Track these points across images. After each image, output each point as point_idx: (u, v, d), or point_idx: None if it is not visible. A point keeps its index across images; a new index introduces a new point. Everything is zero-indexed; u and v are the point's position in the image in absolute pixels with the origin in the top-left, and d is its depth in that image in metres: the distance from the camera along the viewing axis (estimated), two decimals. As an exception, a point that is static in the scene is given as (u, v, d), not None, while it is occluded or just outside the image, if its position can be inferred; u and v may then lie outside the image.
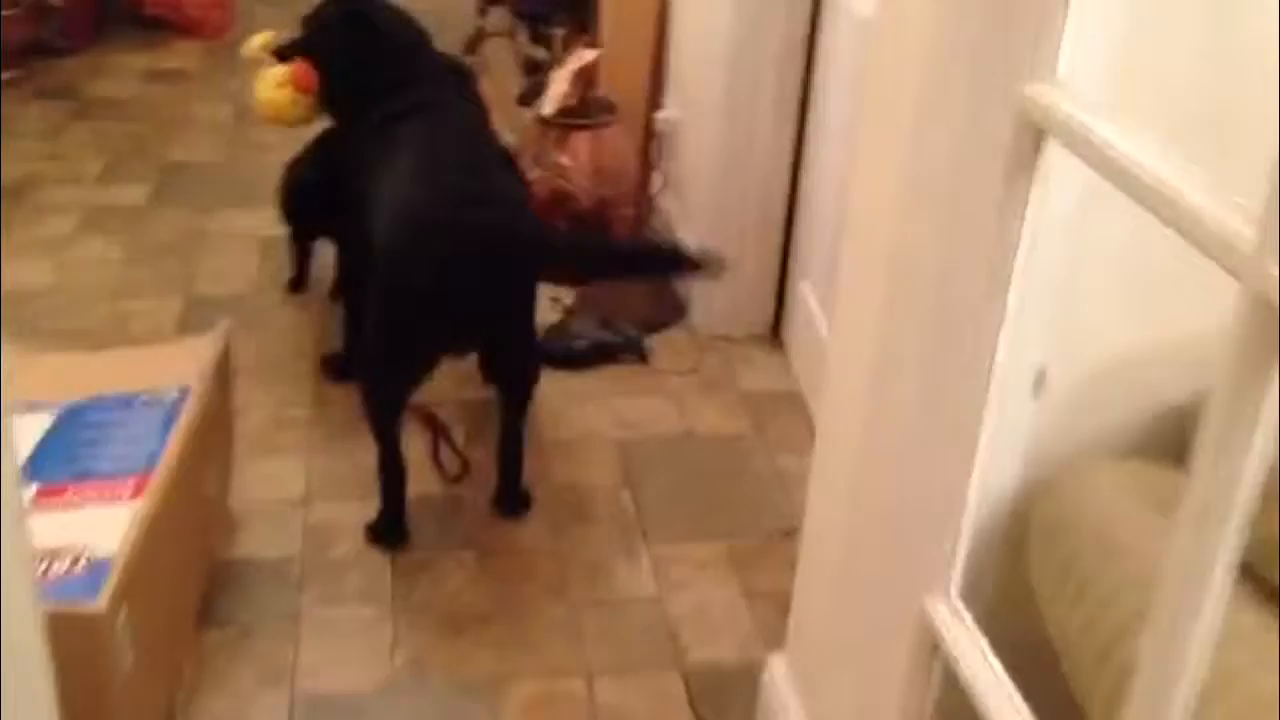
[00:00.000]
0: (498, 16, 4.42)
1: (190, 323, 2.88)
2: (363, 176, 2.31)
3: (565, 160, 3.09)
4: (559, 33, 4.10)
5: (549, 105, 3.12)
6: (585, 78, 3.16)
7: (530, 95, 3.39)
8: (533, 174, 3.13)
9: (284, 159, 2.91)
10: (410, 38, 2.56)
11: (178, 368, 2.06)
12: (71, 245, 3.24)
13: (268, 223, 3.08)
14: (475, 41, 4.44)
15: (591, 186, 3.10)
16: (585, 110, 3.17)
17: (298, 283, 3.00)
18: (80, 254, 3.20)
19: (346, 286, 2.71)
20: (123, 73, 4.40)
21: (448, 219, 2.08)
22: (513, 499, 2.34)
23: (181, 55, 4.60)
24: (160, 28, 4.74)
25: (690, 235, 3.06)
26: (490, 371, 2.33)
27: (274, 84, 2.56)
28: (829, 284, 2.46)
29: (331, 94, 2.54)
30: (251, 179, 3.52)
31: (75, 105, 4.11)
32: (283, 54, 2.58)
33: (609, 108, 3.22)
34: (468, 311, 2.10)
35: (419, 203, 2.14)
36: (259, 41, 2.64)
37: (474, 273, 2.04)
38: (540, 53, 4.32)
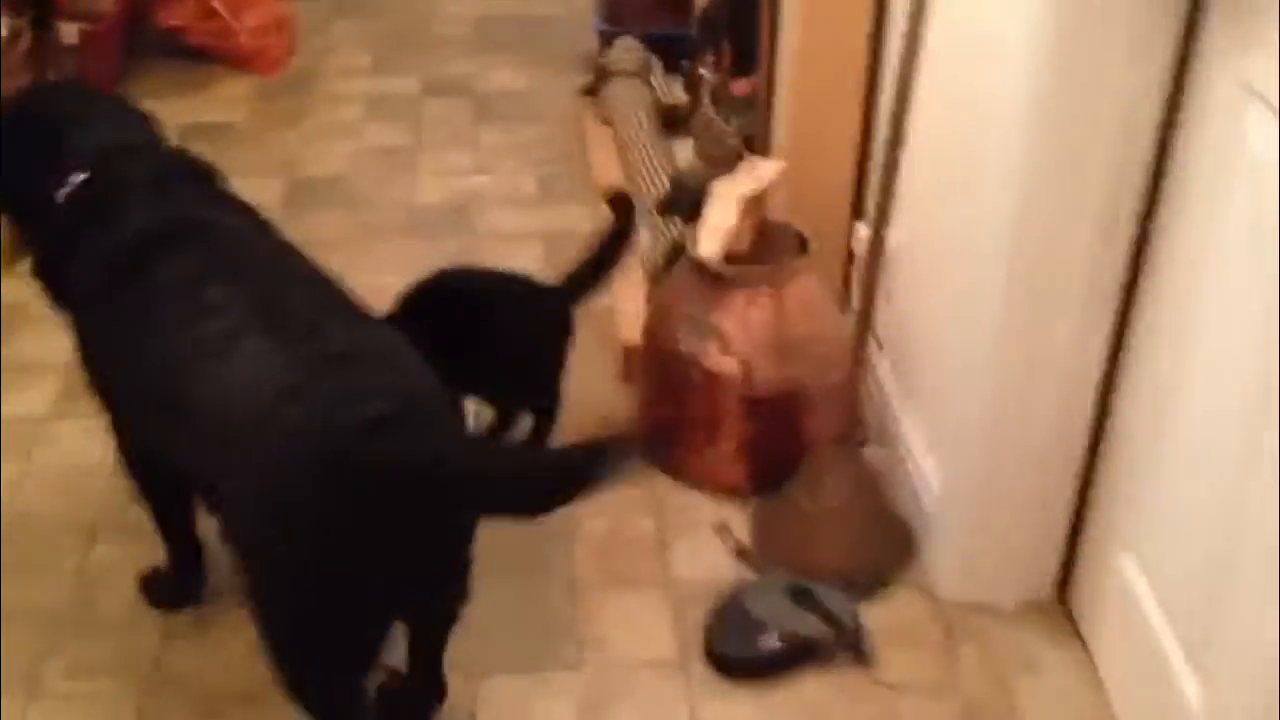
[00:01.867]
0: (624, 50, 3.38)
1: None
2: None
3: (729, 328, 2.07)
4: (707, 75, 3.06)
5: (708, 244, 2.08)
6: (762, 204, 2.12)
7: (678, 203, 2.36)
8: (681, 344, 2.12)
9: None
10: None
11: None
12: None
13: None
14: (597, 84, 3.42)
15: (773, 367, 2.08)
16: (761, 250, 2.15)
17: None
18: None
19: None
20: (152, 129, 3.47)
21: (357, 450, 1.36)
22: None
23: (227, 100, 3.65)
24: (204, 60, 3.82)
25: (920, 439, 2.03)
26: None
27: None
28: (1163, 559, 1.57)
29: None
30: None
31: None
32: None
33: (796, 243, 2.18)
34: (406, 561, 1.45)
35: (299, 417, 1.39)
36: None
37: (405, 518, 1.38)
38: (682, 97, 3.29)
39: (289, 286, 1.56)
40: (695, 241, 2.13)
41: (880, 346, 2.24)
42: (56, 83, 1.77)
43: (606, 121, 3.31)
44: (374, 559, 1.39)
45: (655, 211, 2.39)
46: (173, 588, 1.94)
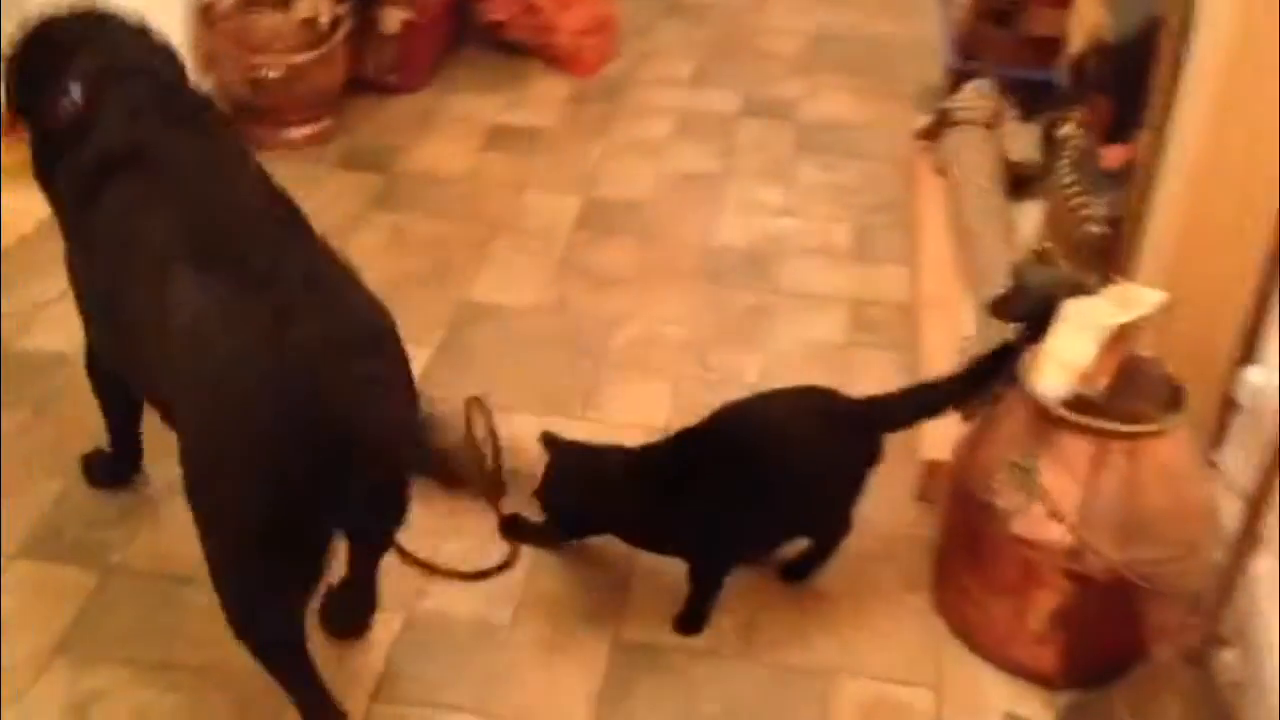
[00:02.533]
0: (975, 95, 2.95)
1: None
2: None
3: (1063, 487, 1.65)
4: (1071, 134, 2.60)
5: (1053, 379, 1.66)
6: (1130, 340, 1.68)
7: (1016, 307, 1.94)
8: (997, 495, 1.71)
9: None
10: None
11: None
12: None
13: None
14: (936, 128, 3.00)
15: (1114, 545, 1.64)
16: (1119, 394, 1.71)
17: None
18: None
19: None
20: (456, 129, 3.30)
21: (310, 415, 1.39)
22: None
23: (538, 101, 3.46)
24: (522, 55, 3.65)
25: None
26: None
27: None
28: None
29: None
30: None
31: (381, 181, 3.08)
32: None
33: (1167, 391, 1.73)
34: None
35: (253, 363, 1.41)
36: None
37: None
38: (1034, 156, 2.83)
39: (235, 218, 1.57)
40: (1034, 369, 1.72)
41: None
42: (87, 6, 1.85)
43: (942, 172, 2.90)
44: (307, 486, 1.40)
45: (988, 312, 1.99)
46: (109, 469, 2.07)
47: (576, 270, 2.75)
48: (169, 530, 1.98)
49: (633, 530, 1.85)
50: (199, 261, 1.47)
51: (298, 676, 1.60)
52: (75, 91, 1.72)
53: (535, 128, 3.33)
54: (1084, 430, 1.65)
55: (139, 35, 1.85)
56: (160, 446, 1.87)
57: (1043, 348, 1.72)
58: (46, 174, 1.80)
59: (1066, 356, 1.65)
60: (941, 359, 2.29)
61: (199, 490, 1.47)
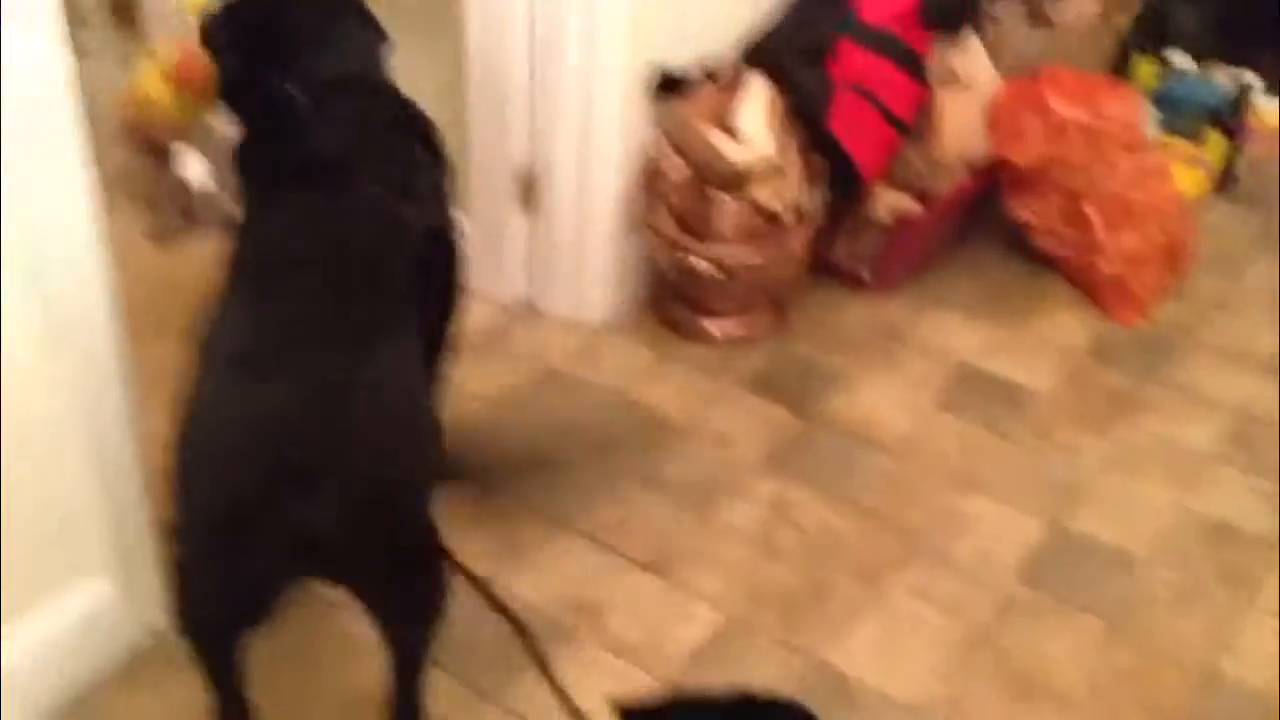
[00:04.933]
0: None
1: None
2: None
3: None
4: None
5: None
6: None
7: None
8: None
9: None
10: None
11: None
12: None
13: None
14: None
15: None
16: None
17: None
18: None
19: None
20: (914, 365, 2.49)
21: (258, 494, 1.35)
22: None
23: (1042, 346, 2.55)
24: (1045, 271, 2.76)
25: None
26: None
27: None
28: None
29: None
30: None
31: (788, 423, 2.33)
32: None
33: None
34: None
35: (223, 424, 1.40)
36: None
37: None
38: None
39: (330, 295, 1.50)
40: None
41: None
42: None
43: None
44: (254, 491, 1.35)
45: None
46: None
47: (996, 655, 1.89)
48: None
49: None
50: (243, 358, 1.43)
51: (215, 682, 1.55)
52: (282, 89, 1.69)
53: (1021, 387, 2.45)
54: None
55: (365, 27, 1.82)
56: None
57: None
58: (241, 165, 1.75)
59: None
60: None
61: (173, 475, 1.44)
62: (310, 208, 1.62)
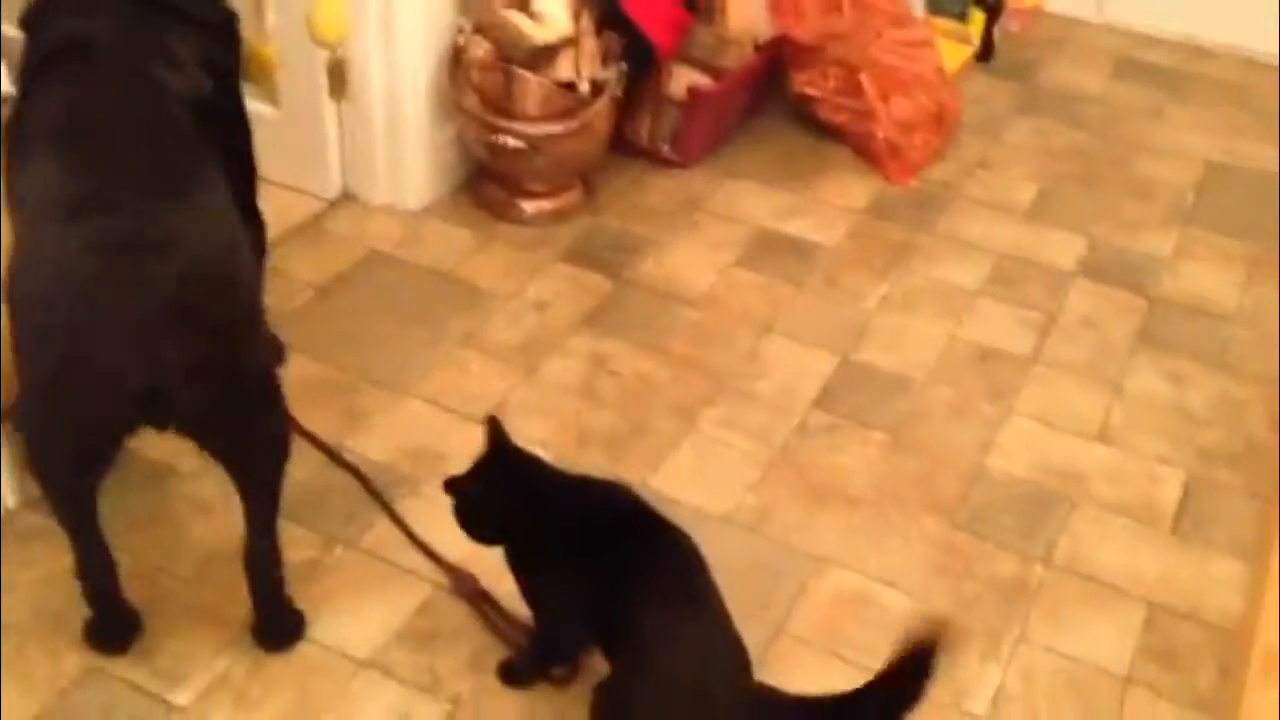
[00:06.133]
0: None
1: None
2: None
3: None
4: None
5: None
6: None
7: None
8: None
9: None
10: None
11: None
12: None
13: None
14: None
15: None
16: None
17: None
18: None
19: None
20: (716, 229, 2.72)
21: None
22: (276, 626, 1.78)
23: (829, 207, 2.81)
24: (829, 140, 3.02)
25: None
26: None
27: None
28: None
29: None
30: None
31: (603, 287, 2.53)
32: None
33: None
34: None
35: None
36: None
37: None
38: None
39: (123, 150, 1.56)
40: None
41: None
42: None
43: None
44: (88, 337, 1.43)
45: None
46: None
47: (796, 470, 2.15)
48: None
49: None
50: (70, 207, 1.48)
51: (73, 528, 1.64)
52: None
53: (811, 244, 2.71)
54: None
55: None
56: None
57: None
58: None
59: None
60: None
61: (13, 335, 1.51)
62: (79, 79, 1.64)
